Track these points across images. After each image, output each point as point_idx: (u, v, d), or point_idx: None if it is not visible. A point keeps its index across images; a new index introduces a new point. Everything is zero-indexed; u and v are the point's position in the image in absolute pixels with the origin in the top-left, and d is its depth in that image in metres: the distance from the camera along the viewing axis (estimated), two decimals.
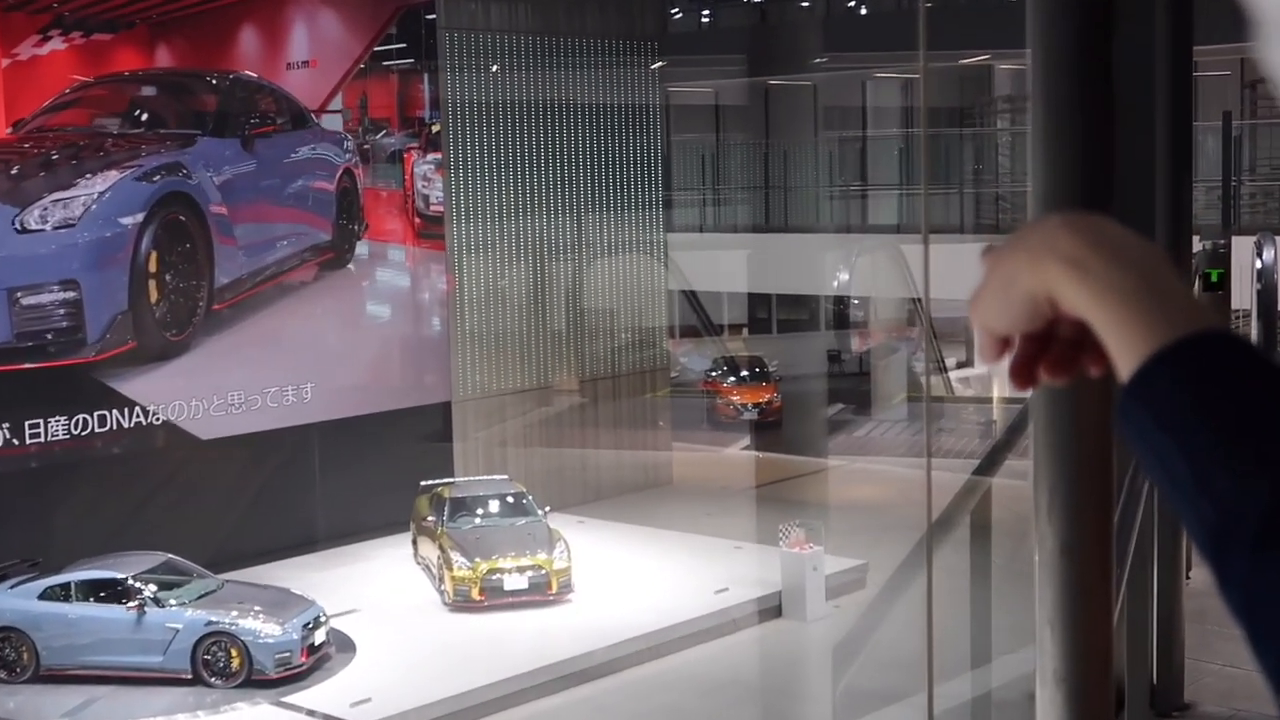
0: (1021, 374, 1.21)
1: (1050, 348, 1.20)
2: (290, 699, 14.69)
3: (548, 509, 19.27)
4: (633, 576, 18.83)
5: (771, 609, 17.52)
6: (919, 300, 27.43)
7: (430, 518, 18.95)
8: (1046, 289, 1.16)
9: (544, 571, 17.51)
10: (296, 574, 18.98)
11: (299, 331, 20.56)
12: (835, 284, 30.44)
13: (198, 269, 18.86)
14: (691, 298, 30.82)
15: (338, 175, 21.04)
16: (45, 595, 15.55)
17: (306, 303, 20.79)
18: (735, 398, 28.77)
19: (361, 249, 21.56)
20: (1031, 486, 4.41)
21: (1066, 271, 1.15)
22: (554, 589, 17.53)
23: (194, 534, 18.64)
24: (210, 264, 19.07)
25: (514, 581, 17.41)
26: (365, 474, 20.92)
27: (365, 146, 21.62)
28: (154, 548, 16.79)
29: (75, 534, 17.94)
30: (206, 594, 15.86)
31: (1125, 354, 1.11)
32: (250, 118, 19.81)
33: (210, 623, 15.11)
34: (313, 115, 20.73)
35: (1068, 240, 1.16)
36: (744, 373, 29.43)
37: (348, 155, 21.20)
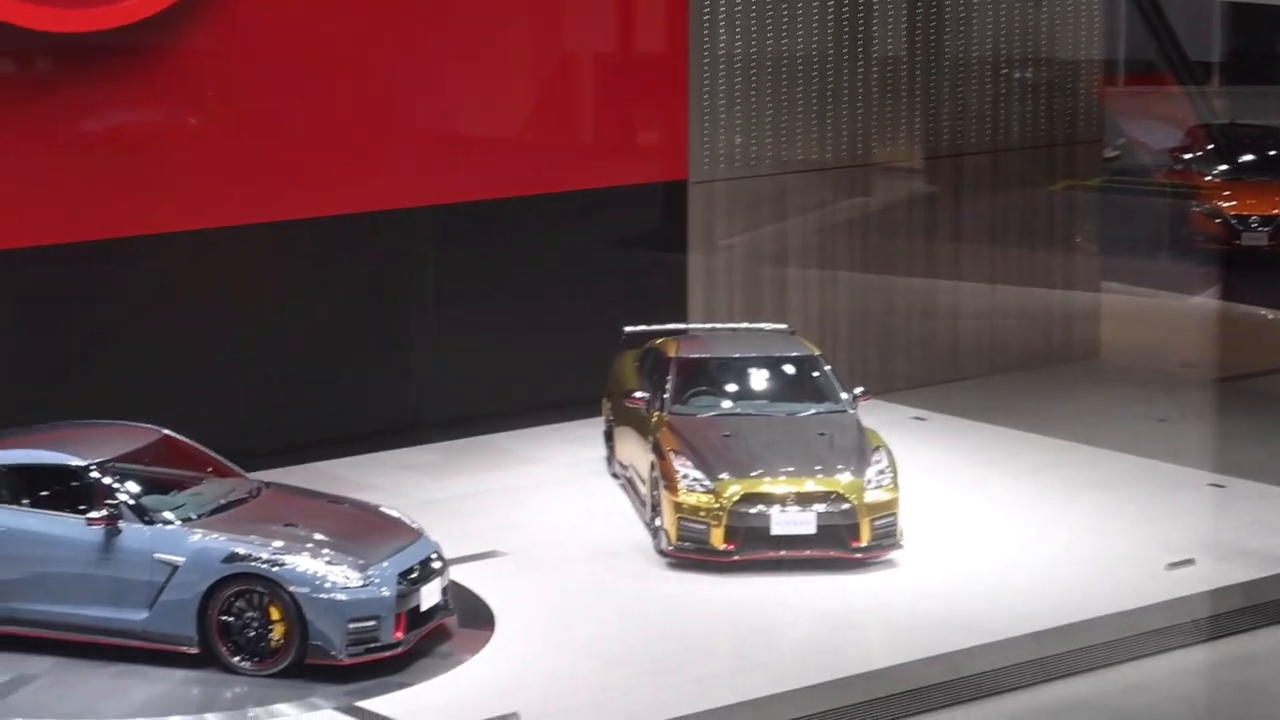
0: None
1: None
2: (372, 704, 14.84)
3: (859, 391, 19.37)
4: (1010, 526, 18.85)
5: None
6: None
7: (640, 394, 19.18)
8: None
9: (847, 506, 17.56)
10: (392, 481, 19.69)
11: None
12: None
13: None
14: (1150, 8, 30.16)
15: None
16: None
17: None
18: (1227, 204, 28.47)
19: None
20: None
21: None
22: (863, 539, 17.64)
23: (204, 395, 19.54)
24: None
25: (790, 521, 17.51)
26: (518, 305, 21.58)
27: None
28: (141, 416, 17.10)
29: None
30: (230, 505, 16.10)
31: None
32: None
33: (234, 557, 15.28)
34: None
35: None
36: (1247, 157, 28.97)
37: None
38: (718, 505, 17.43)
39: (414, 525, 16.35)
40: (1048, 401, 22.87)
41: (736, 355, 19.52)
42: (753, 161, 22.86)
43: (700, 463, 17.75)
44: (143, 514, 15.61)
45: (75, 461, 15.87)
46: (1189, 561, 17.71)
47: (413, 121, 21.16)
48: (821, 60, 23.17)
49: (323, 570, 15.25)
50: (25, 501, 15.82)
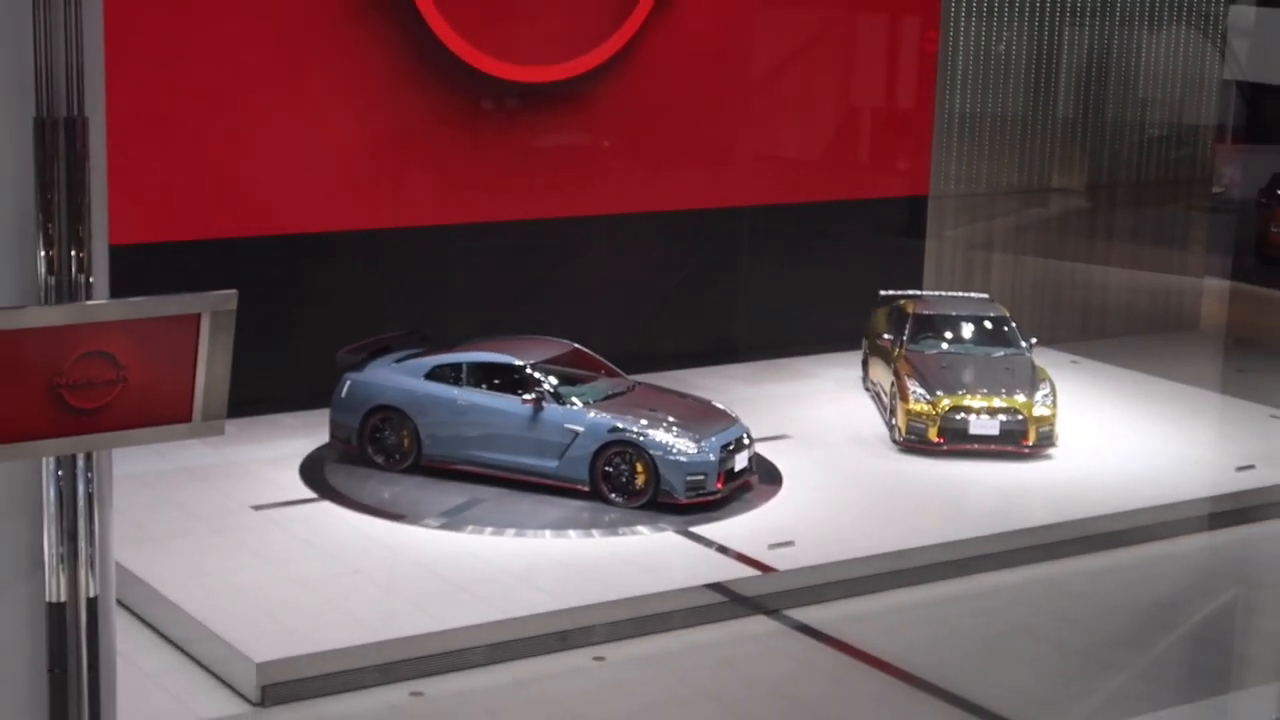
0: None
1: None
2: (699, 529, 14.75)
3: (1034, 341, 18.94)
4: (1131, 437, 18.39)
5: None
6: None
7: (887, 335, 18.90)
8: None
9: (1021, 418, 17.21)
10: (719, 385, 19.54)
11: None
12: None
13: None
14: (1249, 94, 29.05)
15: None
16: (433, 375, 16.14)
17: None
18: None
19: None
20: None
21: None
22: (1030, 440, 17.24)
23: (601, 321, 19.46)
24: None
25: (981, 425, 17.24)
26: (809, 272, 21.26)
27: None
28: (554, 333, 17.31)
29: (466, 306, 18.98)
30: (614, 395, 16.14)
31: None
32: None
33: (615, 429, 15.32)
34: None
35: None
36: None
37: None
38: (934, 412, 17.21)
39: (733, 414, 16.27)
40: (1159, 355, 22.20)
41: (953, 313, 19.14)
42: (973, 183, 22.48)
43: (924, 383, 17.52)
44: (558, 398, 15.70)
45: (517, 361, 15.97)
46: (1249, 468, 17.29)
47: (746, 148, 20.78)
48: (1022, 117, 22.71)
49: (671, 440, 15.24)
50: (483, 386, 16.00)
